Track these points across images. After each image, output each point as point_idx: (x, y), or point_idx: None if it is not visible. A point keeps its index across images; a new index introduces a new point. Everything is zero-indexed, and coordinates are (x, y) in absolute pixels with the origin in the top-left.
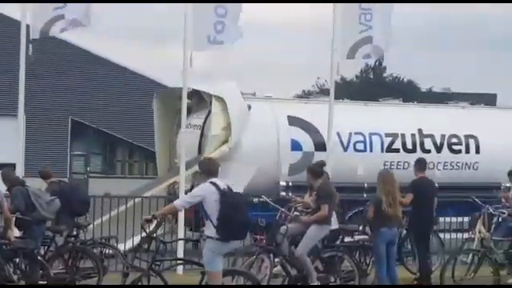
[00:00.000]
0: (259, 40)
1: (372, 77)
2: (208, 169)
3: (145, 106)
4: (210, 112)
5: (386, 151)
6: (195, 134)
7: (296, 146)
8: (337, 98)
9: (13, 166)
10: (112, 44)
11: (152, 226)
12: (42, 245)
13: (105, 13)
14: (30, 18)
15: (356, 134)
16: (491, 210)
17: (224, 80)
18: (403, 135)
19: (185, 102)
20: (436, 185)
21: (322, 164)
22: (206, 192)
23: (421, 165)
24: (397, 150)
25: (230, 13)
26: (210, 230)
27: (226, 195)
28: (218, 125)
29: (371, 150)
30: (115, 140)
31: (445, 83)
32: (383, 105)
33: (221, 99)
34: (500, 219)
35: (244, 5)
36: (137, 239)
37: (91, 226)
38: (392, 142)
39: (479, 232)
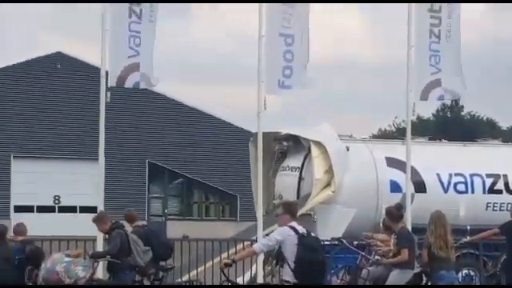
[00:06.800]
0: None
1: (449, 115)
2: (292, 210)
3: (219, 148)
4: (307, 155)
5: (488, 192)
6: (293, 176)
7: (395, 187)
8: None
9: (94, 208)
10: (182, 86)
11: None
12: None
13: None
14: (108, 64)
15: (456, 175)
16: None
17: (315, 123)
18: (505, 176)
19: (260, 144)
20: None
21: (400, 207)
22: (285, 236)
23: None
24: (499, 192)
25: (296, 57)
26: (287, 274)
27: (303, 238)
28: (320, 168)
29: (473, 192)
30: (192, 182)
31: None
32: (482, 145)
33: (319, 143)
34: None
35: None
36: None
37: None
38: (494, 183)
39: None
